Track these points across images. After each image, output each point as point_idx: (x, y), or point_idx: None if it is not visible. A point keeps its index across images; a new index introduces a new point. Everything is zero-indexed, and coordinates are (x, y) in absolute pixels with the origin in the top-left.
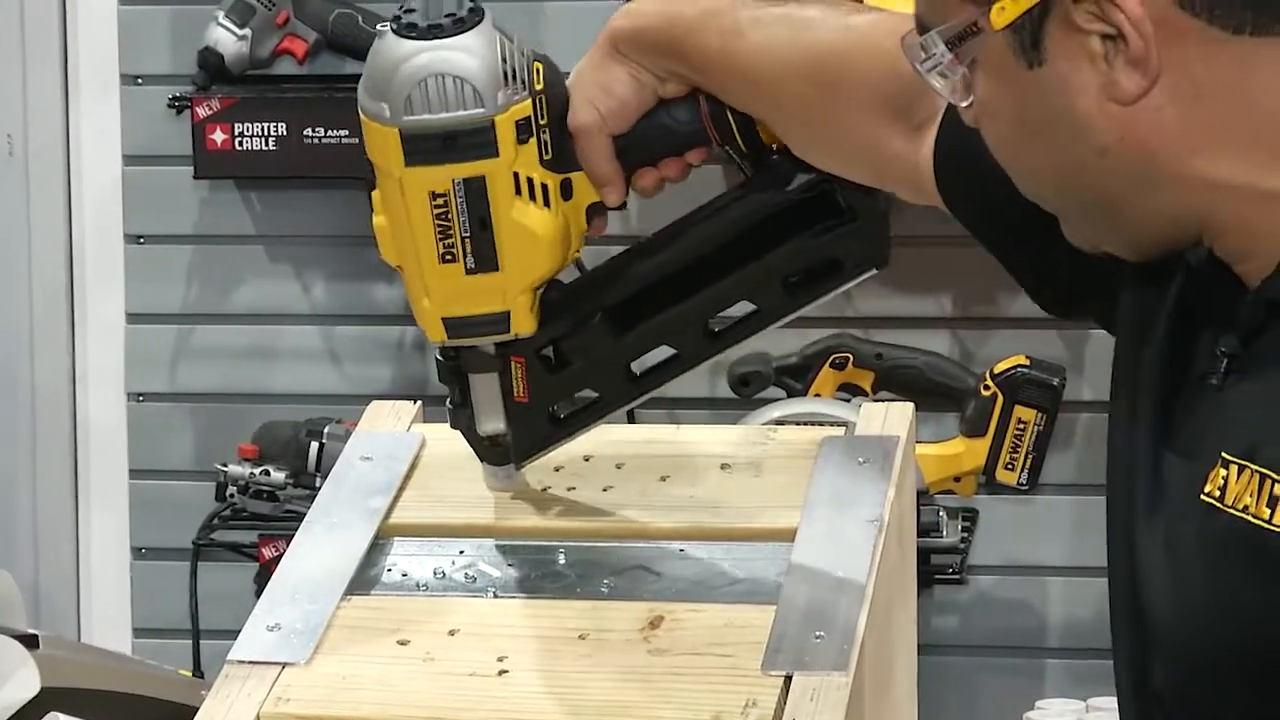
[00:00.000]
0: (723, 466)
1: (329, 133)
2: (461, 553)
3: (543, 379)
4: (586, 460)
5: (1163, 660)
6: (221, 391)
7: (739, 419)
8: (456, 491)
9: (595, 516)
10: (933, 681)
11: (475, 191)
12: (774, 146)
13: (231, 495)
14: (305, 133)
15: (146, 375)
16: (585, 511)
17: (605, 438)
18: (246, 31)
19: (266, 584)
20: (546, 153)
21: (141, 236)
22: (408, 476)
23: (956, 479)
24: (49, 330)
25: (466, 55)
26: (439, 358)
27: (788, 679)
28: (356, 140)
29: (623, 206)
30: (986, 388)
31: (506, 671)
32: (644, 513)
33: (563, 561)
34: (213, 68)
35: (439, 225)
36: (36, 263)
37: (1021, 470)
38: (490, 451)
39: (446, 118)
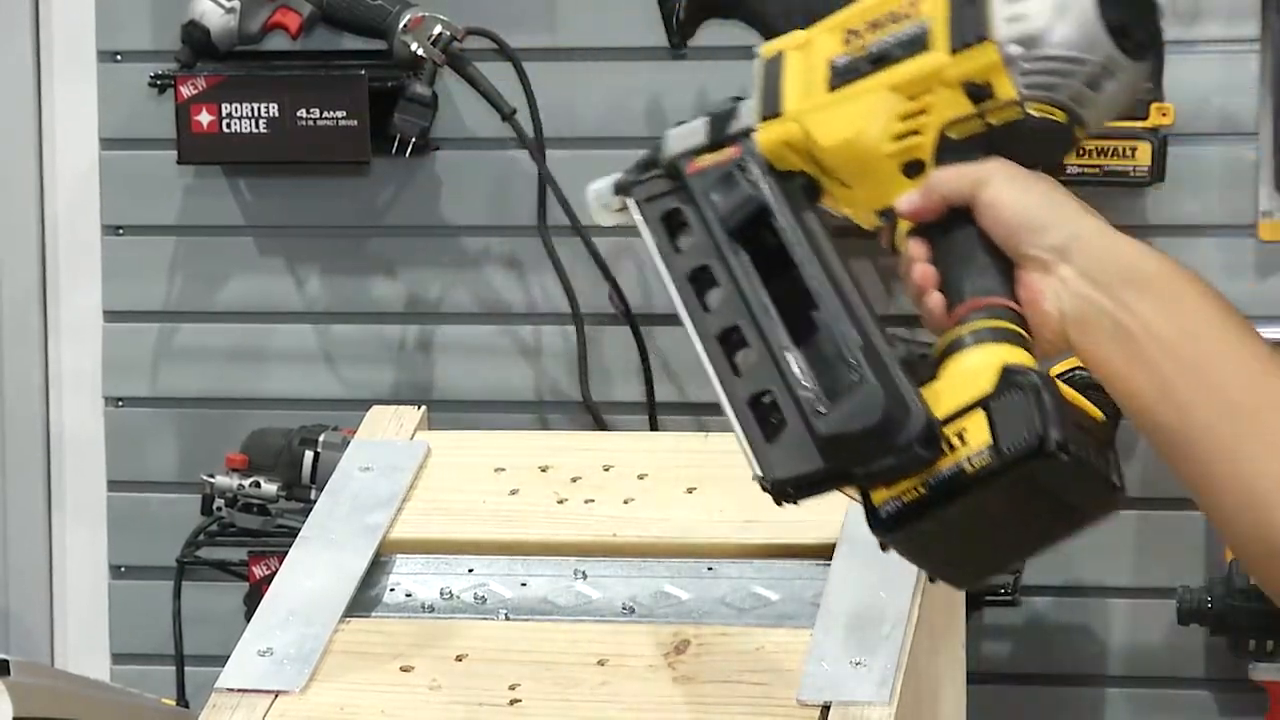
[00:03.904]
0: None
1: (325, 114)
2: (470, 571)
3: None
4: (607, 470)
5: None
6: (207, 396)
7: None
8: (465, 504)
9: (616, 531)
10: (982, 713)
11: None
12: None
13: (219, 509)
14: (299, 114)
15: (126, 378)
16: (605, 526)
17: (627, 445)
18: (235, 4)
19: (257, 606)
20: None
21: (120, 227)
22: (411, 488)
23: None
24: (19, 330)
25: None
26: None
27: (825, 709)
28: (354, 123)
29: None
30: None
31: (519, 701)
32: (669, 528)
33: (580, 580)
34: (198, 43)
35: None
36: (5, 256)
37: None
38: None
39: None
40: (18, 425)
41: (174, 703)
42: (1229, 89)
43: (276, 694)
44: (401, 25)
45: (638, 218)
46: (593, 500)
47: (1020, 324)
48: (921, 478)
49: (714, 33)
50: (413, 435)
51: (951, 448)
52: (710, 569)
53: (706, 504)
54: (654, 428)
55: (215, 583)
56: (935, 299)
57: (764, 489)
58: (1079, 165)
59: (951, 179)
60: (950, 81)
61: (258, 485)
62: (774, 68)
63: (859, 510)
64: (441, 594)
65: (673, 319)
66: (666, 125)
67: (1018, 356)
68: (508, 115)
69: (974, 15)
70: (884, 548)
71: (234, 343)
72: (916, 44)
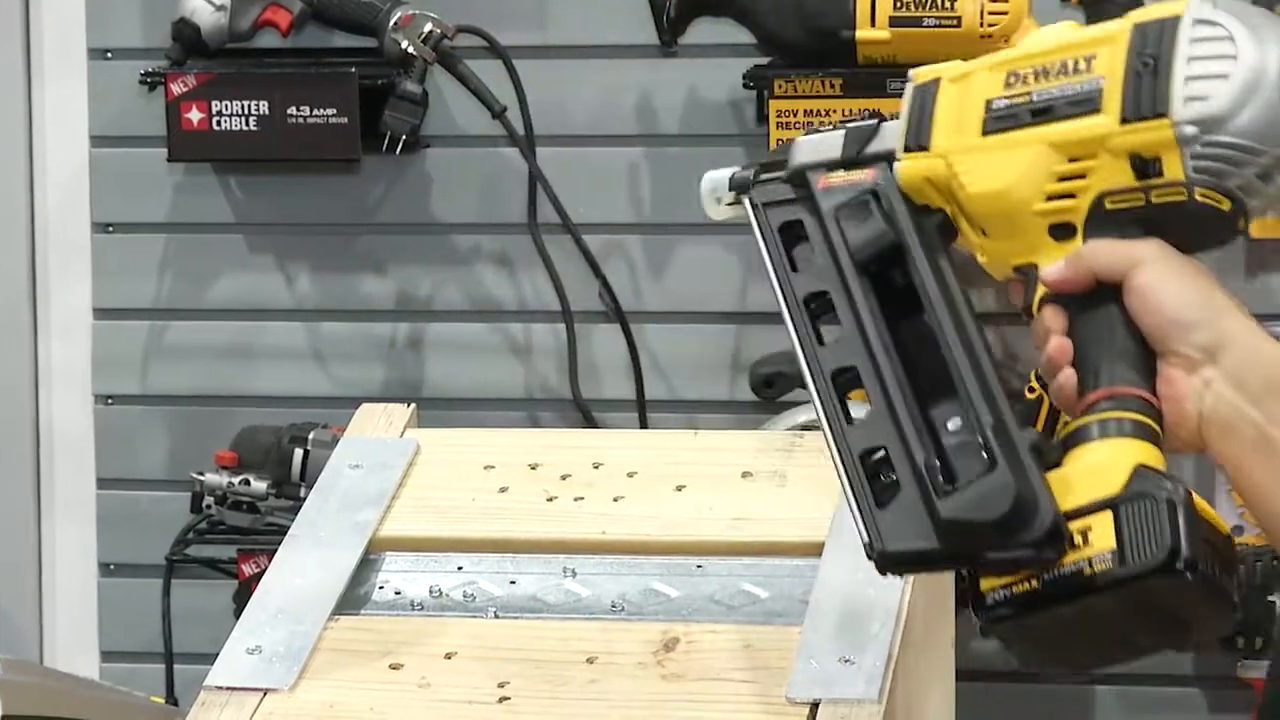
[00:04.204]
0: (744, 475)
1: (315, 112)
2: (460, 569)
3: None
4: (596, 468)
5: None
6: (197, 394)
7: (762, 424)
8: (454, 502)
9: (605, 529)
10: (971, 711)
11: None
12: None
13: (208, 507)
14: (289, 112)
15: (115, 376)
16: (594, 524)
17: (617, 443)
18: (225, 2)
19: (246, 603)
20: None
21: (110, 225)
22: (400, 486)
23: None
24: (9, 327)
25: None
26: None
27: (814, 707)
28: (344, 120)
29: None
30: (1031, 389)
31: (508, 699)
32: (658, 525)
33: (569, 578)
34: (188, 41)
35: None
36: None
37: None
38: None
39: None
40: (7, 423)
41: (163, 700)
42: None
43: (265, 692)
44: (392, 23)
45: (753, 221)
46: (582, 498)
47: (1154, 418)
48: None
49: (705, 30)
50: (402, 433)
51: (1073, 545)
52: (699, 566)
53: (696, 501)
54: (644, 425)
55: (205, 580)
56: (1068, 375)
57: (869, 556)
58: None
59: (1105, 254)
60: (1116, 151)
61: (247, 483)
62: (926, 97)
63: (848, 508)
64: (431, 592)
65: (662, 316)
66: (657, 123)
67: (1150, 456)
68: (498, 113)
69: (1153, 87)
70: (983, 632)
71: (224, 340)
72: (1086, 104)
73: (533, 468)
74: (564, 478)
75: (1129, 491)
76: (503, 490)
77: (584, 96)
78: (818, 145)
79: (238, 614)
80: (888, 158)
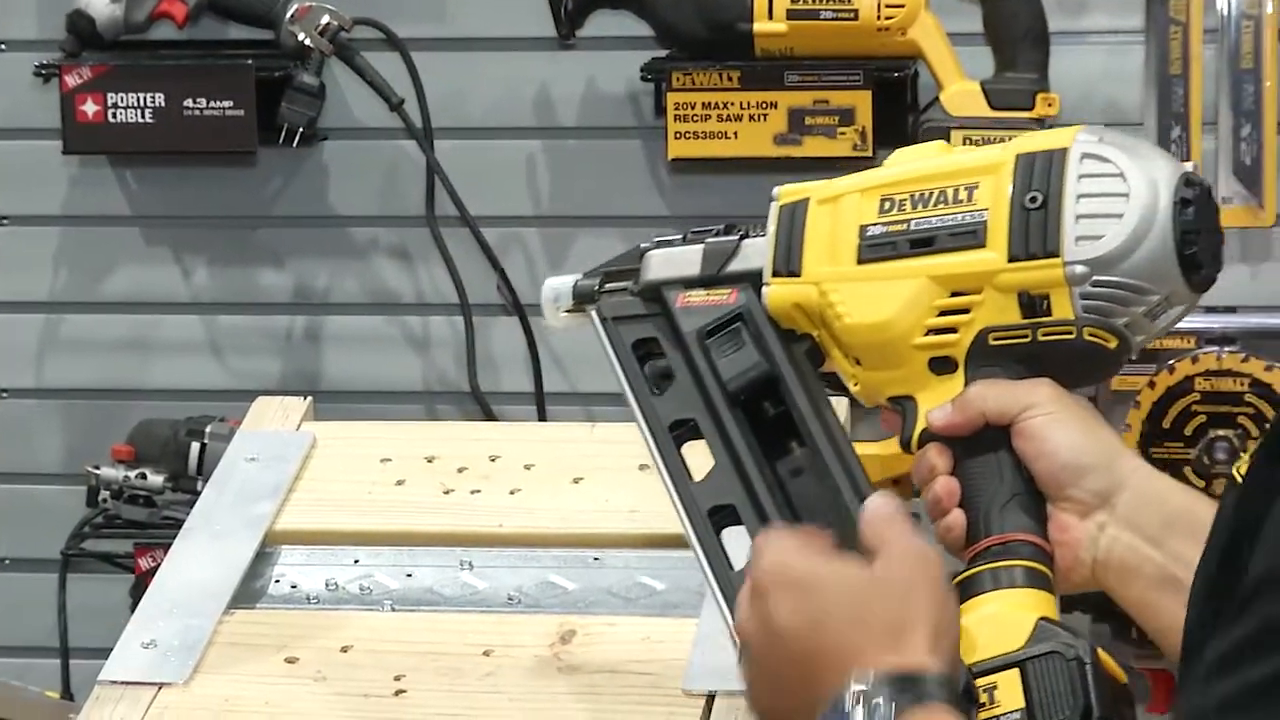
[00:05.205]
0: (641, 468)
1: (211, 104)
2: (356, 562)
3: None
4: (493, 461)
5: None
6: (93, 387)
7: None
8: (351, 495)
9: (502, 522)
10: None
11: None
12: None
13: (104, 500)
14: (185, 104)
15: (10, 369)
16: (491, 516)
17: (514, 436)
18: None
19: (142, 597)
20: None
21: (5, 218)
22: (297, 479)
23: (896, 481)
24: None
25: None
26: None
27: (710, 698)
28: (241, 112)
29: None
30: None
31: (404, 691)
32: (555, 518)
33: (466, 571)
34: (83, 32)
35: None
36: None
37: None
38: None
39: None
40: None
41: (58, 696)
42: (1114, 79)
43: (160, 686)
44: (289, 14)
45: (601, 335)
46: (479, 490)
47: (1047, 564)
48: None
49: (603, 22)
50: (299, 426)
51: (979, 705)
52: (596, 559)
53: (593, 494)
54: (542, 418)
55: (101, 575)
56: (956, 517)
57: None
58: None
59: (995, 398)
60: (1004, 288)
61: (144, 476)
62: (794, 219)
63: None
64: (327, 585)
65: None
66: (555, 115)
67: (1047, 606)
68: (395, 105)
69: (1041, 225)
70: None
71: (120, 333)
72: (969, 237)
73: (430, 460)
74: (461, 470)
75: (1034, 648)
76: (400, 483)
77: (482, 89)
78: (672, 259)
79: (133, 609)
80: (750, 278)
